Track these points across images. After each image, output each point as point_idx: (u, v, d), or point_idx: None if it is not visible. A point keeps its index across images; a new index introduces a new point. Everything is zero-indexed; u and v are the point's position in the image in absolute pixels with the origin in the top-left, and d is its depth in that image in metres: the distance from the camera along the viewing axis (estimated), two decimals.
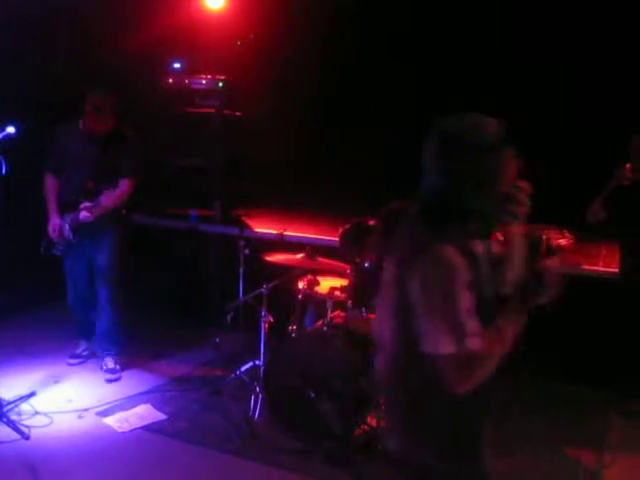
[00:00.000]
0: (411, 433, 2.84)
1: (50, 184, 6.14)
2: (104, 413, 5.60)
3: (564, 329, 6.11)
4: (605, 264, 6.57)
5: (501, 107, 3.19)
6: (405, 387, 2.81)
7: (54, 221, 6.04)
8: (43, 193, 6.15)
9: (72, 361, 6.49)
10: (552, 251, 6.33)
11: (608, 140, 7.07)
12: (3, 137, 5.25)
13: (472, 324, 2.58)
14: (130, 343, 6.53)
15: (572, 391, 6.21)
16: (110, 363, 6.31)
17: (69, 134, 6.10)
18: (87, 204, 5.92)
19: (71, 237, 6.03)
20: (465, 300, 2.58)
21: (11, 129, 5.29)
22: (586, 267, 6.51)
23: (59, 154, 6.10)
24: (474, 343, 2.56)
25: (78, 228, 6.02)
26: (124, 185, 6.08)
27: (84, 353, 6.57)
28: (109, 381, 6.17)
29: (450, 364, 2.58)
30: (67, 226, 6.00)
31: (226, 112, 8.05)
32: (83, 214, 5.93)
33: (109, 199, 5.91)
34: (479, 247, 2.76)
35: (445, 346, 2.57)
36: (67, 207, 6.05)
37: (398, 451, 2.88)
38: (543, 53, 7.89)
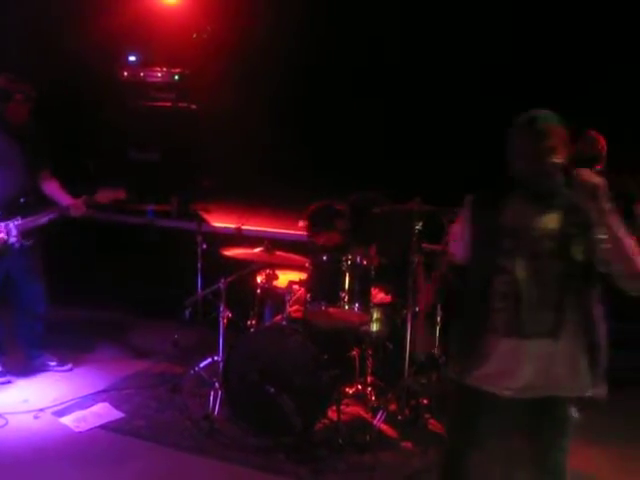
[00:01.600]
0: None
1: None
2: (60, 413, 5.50)
3: None
4: None
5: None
6: None
7: None
8: None
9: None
10: None
11: None
12: None
13: None
14: (91, 341, 6.43)
15: None
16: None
17: None
18: (84, 198, 5.82)
19: (20, 241, 5.73)
20: None
21: None
22: None
23: None
24: None
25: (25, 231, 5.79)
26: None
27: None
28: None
29: None
30: (14, 230, 5.71)
31: (182, 105, 7.97)
32: (76, 210, 5.83)
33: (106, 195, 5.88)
34: None
35: None
36: (9, 210, 5.70)
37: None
38: None
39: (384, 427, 5.34)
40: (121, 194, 6.04)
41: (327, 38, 8.49)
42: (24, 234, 5.77)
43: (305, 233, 6.08)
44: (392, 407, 5.47)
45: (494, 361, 3.44)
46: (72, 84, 8.31)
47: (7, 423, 5.27)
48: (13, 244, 5.71)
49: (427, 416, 5.37)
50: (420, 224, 5.49)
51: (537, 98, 3.87)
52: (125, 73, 8.14)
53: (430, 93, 8.24)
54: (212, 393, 5.48)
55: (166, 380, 6.05)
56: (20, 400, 5.66)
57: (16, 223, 5.72)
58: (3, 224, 5.69)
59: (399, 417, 5.43)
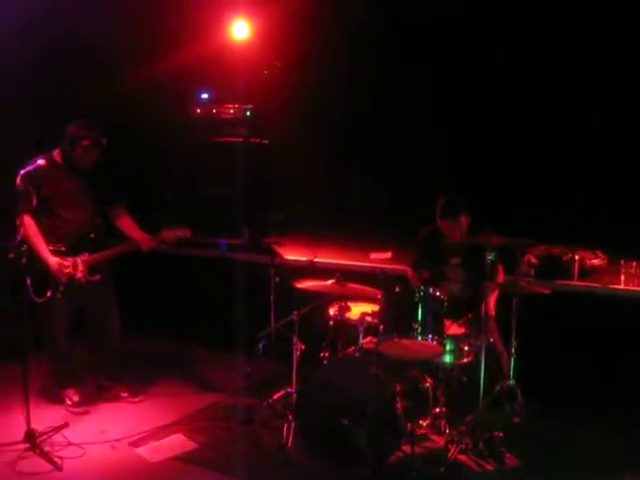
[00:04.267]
0: None
1: (33, 226, 5.75)
2: (136, 443, 5.57)
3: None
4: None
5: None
6: None
7: (60, 261, 5.78)
8: (23, 236, 5.61)
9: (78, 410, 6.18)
10: (586, 271, 6.35)
11: None
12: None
13: None
14: (163, 373, 6.49)
15: None
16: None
17: (50, 172, 5.76)
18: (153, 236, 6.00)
19: (87, 276, 5.89)
20: None
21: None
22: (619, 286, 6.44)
23: (41, 195, 5.64)
24: None
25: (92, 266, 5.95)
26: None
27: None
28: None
29: None
30: (81, 265, 5.86)
31: (253, 140, 8.08)
32: (147, 244, 6.03)
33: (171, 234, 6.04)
34: None
35: None
36: (76, 246, 5.89)
37: None
38: None
39: (458, 460, 5.26)
40: (187, 233, 6.13)
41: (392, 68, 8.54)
42: (92, 269, 5.92)
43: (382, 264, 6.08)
44: (466, 440, 5.40)
45: None
46: (145, 124, 8.49)
47: (85, 453, 5.35)
48: (80, 279, 5.85)
49: (502, 449, 5.28)
50: (493, 255, 5.44)
51: None
52: (198, 110, 8.28)
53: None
54: (285, 425, 5.48)
55: (239, 412, 6.07)
56: (97, 430, 5.75)
57: (83, 259, 5.87)
58: (71, 259, 5.84)
59: (473, 450, 5.36)
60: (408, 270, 6.19)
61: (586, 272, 6.70)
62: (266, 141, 8.24)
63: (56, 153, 5.98)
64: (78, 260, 5.85)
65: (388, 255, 7.58)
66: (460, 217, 5.96)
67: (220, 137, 8.14)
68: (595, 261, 6.87)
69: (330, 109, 8.72)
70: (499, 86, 8.10)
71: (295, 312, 5.64)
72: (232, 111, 8.15)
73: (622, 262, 6.59)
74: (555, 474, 5.19)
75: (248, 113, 8.05)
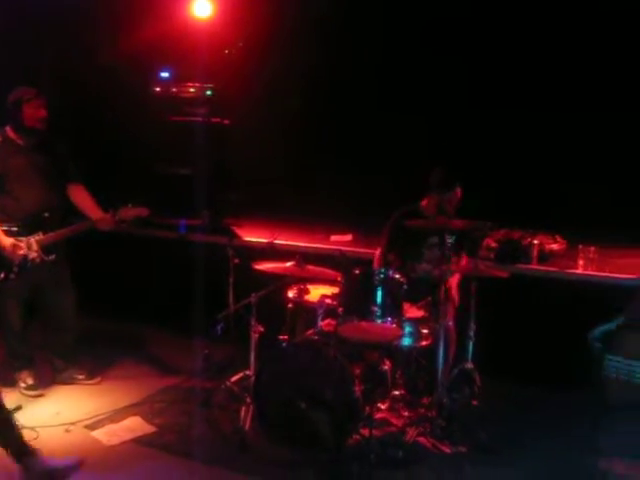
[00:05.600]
0: None
1: None
2: (92, 426, 5.50)
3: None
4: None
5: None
6: None
7: (13, 242, 5.60)
8: None
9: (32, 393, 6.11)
10: (545, 255, 6.40)
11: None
12: None
13: None
14: (120, 355, 6.42)
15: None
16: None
17: (3, 148, 5.76)
18: (112, 212, 5.86)
19: (42, 256, 5.73)
20: None
21: None
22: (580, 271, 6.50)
23: None
24: None
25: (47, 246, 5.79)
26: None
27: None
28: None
29: None
30: (35, 245, 5.70)
31: (214, 120, 8.00)
32: (105, 224, 5.88)
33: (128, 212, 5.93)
34: None
35: None
36: (30, 226, 5.73)
37: None
38: None
39: (417, 442, 5.27)
40: (144, 212, 6.04)
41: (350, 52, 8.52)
42: (46, 249, 5.79)
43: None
44: (424, 423, 5.40)
45: None
46: (104, 102, 8.38)
47: (38, 436, 5.25)
48: (34, 259, 5.73)
49: (460, 432, 5.30)
50: (453, 238, 5.45)
51: None
52: (158, 89, 8.18)
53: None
54: (243, 408, 5.46)
55: (197, 395, 6.03)
56: (52, 413, 5.67)
57: (37, 238, 5.75)
58: (25, 240, 5.71)
59: (432, 433, 5.36)
60: (376, 252, 6.15)
61: (545, 256, 6.74)
62: (226, 121, 8.15)
63: (8, 129, 5.85)
64: (32, 240, 5.72)
65: (348, 237, 7.57)
66: (457, 188, 5.96)
67: (180, 116, 8.04)
68: (554, 246, 6.93)
69: (291, 91, 8.68)
70: (458, 70, 8.14)
71: (253, 294, 5.60)
72: (192, 90, 8.07)
73: (580, 247, 6.64)
74: (513, 455, 5.22)
75: (209, 93, 7.97)
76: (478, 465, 5.06)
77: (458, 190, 5.94)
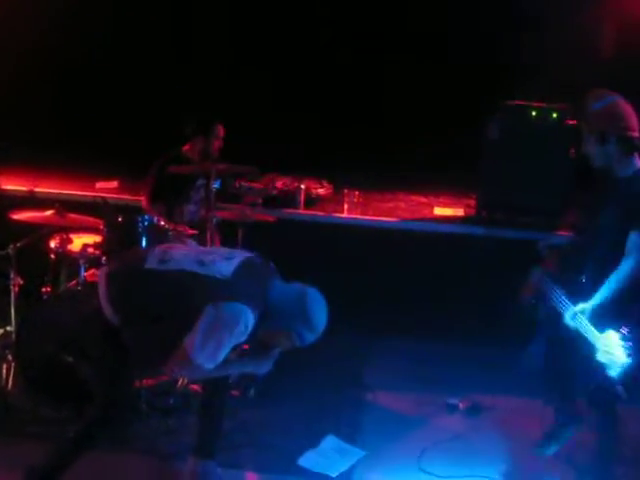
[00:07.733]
0: None
1: None
2: None
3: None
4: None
5: None
6: None
7: None
8: None
9: None
10: (312, 200, 6.49)
11: None
12: None
13: None
14: None
15: None
16: None
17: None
18: None
19: None
20: None
21: None
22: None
23: None
24: None
25: None
26: None
27: None
28: None
29: None
30: None
31: None
32: None
33: None
34: None
35: None
36: None
37: None
38: None
39: (188, 389, 5.24)
40: None
41: None
42: None
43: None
44: None
45: None
46: None
47: None
48: None
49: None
50: (217, 183, 5.45)
51: None
52: None
53: None
54: (5, 365, 5.21)
55: None
56: None
57: None
58: None
59: None
60: (143, 200, 5.99)
61: (312, 201, 6.89)
62: None
63: None
64: None
65: (114, 184, 7.37)
66: (219, 129, 5.95)
67: None
68: (320, 190, 7.11)
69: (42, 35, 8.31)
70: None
71: (11, 245, 5.32)
72: None
73: (345, 191, 6.83)
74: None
75: None
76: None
77: (220, 130, 5.93)
